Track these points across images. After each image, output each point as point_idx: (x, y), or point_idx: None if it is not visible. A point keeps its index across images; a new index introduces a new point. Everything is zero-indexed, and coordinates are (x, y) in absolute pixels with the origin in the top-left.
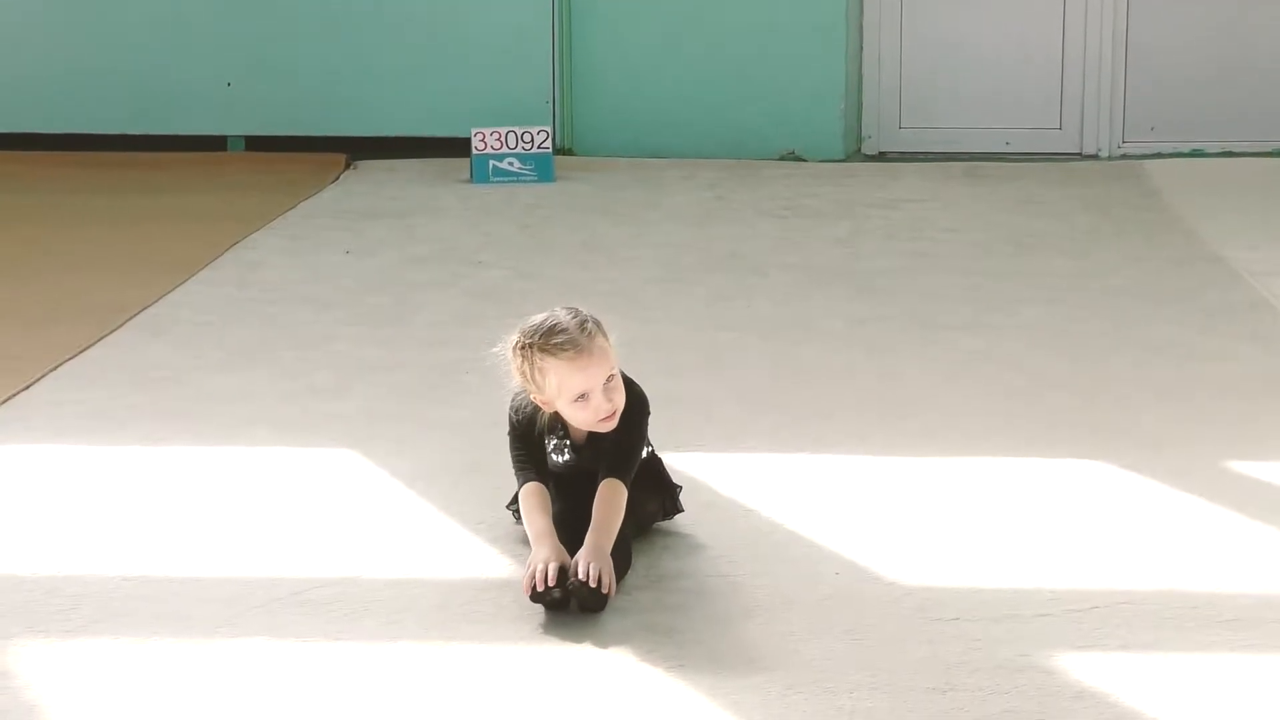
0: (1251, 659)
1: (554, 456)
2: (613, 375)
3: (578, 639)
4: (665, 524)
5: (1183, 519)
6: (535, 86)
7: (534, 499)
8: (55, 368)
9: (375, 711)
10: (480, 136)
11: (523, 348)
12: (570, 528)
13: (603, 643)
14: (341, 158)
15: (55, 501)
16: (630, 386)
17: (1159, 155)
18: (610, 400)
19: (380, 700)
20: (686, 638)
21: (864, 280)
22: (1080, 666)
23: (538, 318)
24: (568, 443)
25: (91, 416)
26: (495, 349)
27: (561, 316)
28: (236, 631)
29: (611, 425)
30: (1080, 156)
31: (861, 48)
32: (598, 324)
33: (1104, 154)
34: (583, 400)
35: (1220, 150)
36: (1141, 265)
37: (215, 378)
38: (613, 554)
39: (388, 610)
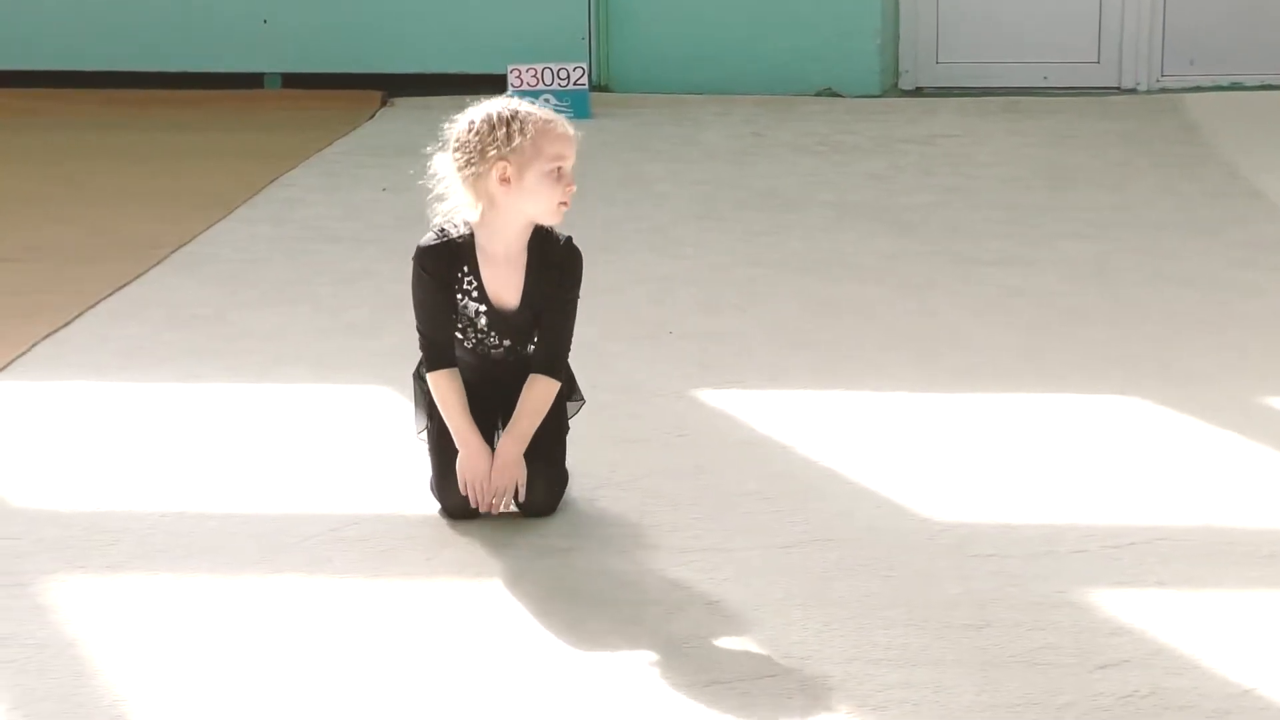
0: None
1: (464, 319)
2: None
3: (614, 573)
4: (702, 463)
5: (1219, 454)
6: (572, 23)
7: (451, 390)
8: (93, 305)
9: (412, 645)
10: (516, 73)
11: (504, 118)
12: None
13: (640, 579)
14: (378, 95)
15: (94, 438)
16: (574, 249)
17: (1198, 89)
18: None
19: (417, 634)
20: (723, 575)
21: (900, 216)
22: (1117, 602)
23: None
24: (483, 308)
25: (129, 353)
26: (435, 150)
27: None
28: (273, 567)
29: (558, 219)
30: (1118, 90)
31: None
32: None
33: (1142, 88)
34: (556, 173)
35: (1259, 84)
36: (1179, 199)
37: (252, 315)
38: (550, 471)
39: (424, 546)
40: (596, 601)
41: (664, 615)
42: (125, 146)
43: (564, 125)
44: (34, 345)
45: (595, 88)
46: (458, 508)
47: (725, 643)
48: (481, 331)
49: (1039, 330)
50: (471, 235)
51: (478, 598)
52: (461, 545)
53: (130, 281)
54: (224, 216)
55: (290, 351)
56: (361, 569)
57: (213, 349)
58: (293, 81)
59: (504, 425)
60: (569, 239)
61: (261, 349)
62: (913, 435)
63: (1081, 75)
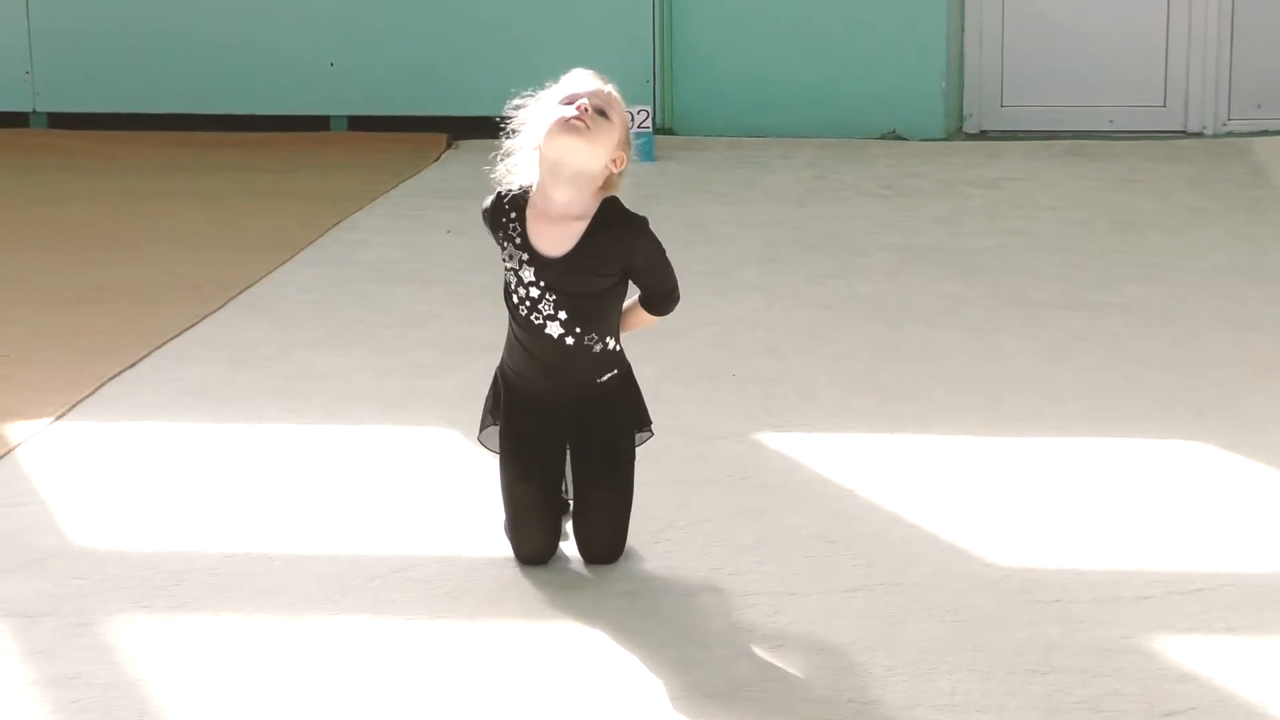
0: None
1: (513, 277)
2: (602, 107)
3: (677, 616)
4: (766, 506)
5: None
6: (636, 66)
7: None
8: (160, 345)
9: (476, 687)
10: None
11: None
12: (543, 443)
13: (703, 622)
14: (443, 137)
15: (159, 478)
16: (644, 227)
17: (1265, 133)
18: (589, 111)
19: (481, 676)
20: (786, 618)
21: (965, 259)
22: (1183, 649)
23: None
24: (525, 256)
25: (195, 394)
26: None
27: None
28: (337, 609)
29: (577, 138)
30: (1185, 134)
31: (963, 25)
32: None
33: (1209, 131)
34: (566, 102)
35: None
36: (1245, 243)
37: (317, 356)
38: (619, 521)
39: (489, 588)
40: (659, 644)
41: (727, 658)
42: (192, 188)
43: (576, 85)
44: (101, 386)
45: (659, 130)
46: (533, 554)
47: (788, 687)
48: (528, 286)
49: (1105, 374)
50: (527, 191)
51: (541, 640)
52: (525, 587)
53: (197, 322)
54: (290, 258)
55: (355, 392)
56: (425, 610)
57: (278, 390)
58: (358, 124)
59: (573, 453)
60: (642, 218)
61: (327, 390)
62: (978, 479)
63: (1147, 119)
